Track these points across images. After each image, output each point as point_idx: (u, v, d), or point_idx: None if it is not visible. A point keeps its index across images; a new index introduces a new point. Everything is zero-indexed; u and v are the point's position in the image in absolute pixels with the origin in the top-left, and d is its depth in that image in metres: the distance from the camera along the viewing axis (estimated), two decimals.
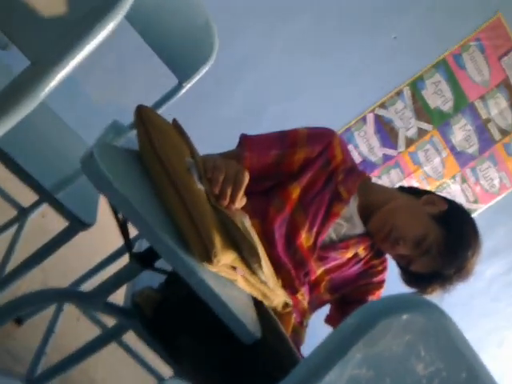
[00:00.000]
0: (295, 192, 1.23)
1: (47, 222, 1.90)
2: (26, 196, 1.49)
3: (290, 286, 1.20)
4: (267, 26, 2.62)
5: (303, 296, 1.24)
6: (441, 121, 3.00)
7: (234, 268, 0.81)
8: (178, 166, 0.82)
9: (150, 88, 1.64)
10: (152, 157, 0.82)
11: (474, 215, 3.11)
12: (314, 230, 1.23)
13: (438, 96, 2.95)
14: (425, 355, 0.54)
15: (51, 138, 1.42)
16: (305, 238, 1.22)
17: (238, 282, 0.84)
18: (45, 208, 1.62)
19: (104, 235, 2.12)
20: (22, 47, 0.58)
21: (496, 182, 3.19)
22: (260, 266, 0.83)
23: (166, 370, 1.55)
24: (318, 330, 1.28)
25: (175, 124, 0.97)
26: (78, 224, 1.16)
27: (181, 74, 1.40)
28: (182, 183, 0.79)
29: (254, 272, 0.84)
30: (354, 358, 0.50)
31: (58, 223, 1.20)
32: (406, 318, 0.50)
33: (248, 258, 0.82)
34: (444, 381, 0.53)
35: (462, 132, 3.04)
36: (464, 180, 3.15)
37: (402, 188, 1.40)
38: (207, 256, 0.74)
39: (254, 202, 1.14)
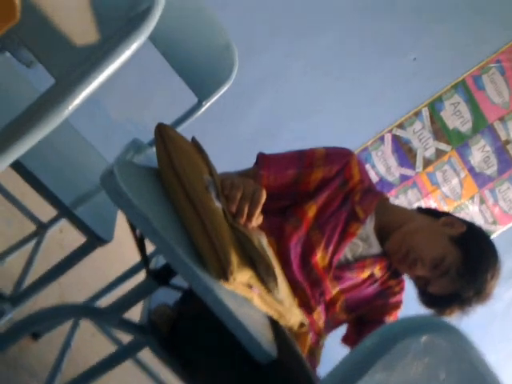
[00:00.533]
0: (312, 211, 1.23)
1: (65, 237, 1.92)
2: (45, 211, 1.50)
3: (305, 306, 1.19)
4: (287, 46, 2.65)
5: (319, 315, 1.23)
6: (459, 142, 2.98)
7: (250, 286, 0.81)
8: (197, 184, 0.83)
9: (169, 106, 1.66)
10: (171, 174, 0.83)
11: (492, 236, 3.06)
12: (330, 249, 1.22)
13: (457, 117, 2.93)
14: (444, 379, 0.52)
15: (71, 155, 1.44)
16: (320, 258, 1.21)
17: (254, 301, 0.83)
18: (63, 223, 1.63)
19: (121, 251, 2.13)
20: (47, 65, 0.60)
21: None
22: (276, 284, 0.83)
23: None
24: (333, 351, 1.27)
25: (194, 142, 0.98)
26: (95, 240, 1.16)
27: (201, 92, 1.42)
28: (200, 201, 0.80)
29: (270, 291, 0.84)
30: (372, 380, 0.49)
31: (76, 239, 1.22)
32: (426, 339, 0.50)
33: (264, 277, 0.82)
34: None
35: (480, 153, 3.02)
36: (482, 201, 3.11)
37: (420, 209, 1.38)
38: (224, 273, 0.74)
39: (270, 221, 1.14)
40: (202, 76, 1.43)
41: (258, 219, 0.88)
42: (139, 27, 0.59)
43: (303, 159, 1.26)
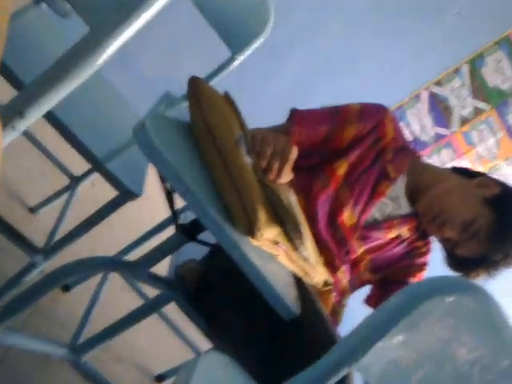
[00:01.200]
0: (342, 169, 1.22)
1: (97, 190, 1.95)
2: (78, 165, 1.53)
3: (330, 264, 1.20)
4: (324, 2, 2.57)
5: (343, 275, 1.23)
6: (499, 100, 2.88)
7: (276, 243, 0.82)
8: (228, 139, 0.82)
9: (202, 60, 1.64)
10: (202, 128, 0.83)
11: None
12: (358, 208, 1.21)
13: (499, 74, 2.82)
14: (468, 340, 0.52)
15: (105, 108, 1.45)
16: (348, 216, 1.21)
17: (280, 258, 0.84)
18: (95, 177, 1.66)
19: (150, 206, 2.17)
20: (82, 14, 0.59)
21: None
22: (303, 242, 0.83)
23: (204, 344, 1.57)
24: (355, 311, 1.28)
25: (227, 97, 0.97)
26: (126, 194, 1.18)
27: (234, 46, 1.40)
28: (231, 156, 0.80)
29: (296, 248, 0.84)
30: (395, 340, 0.49)
31: (108, 192, 1.24)
32: (453, 300, 0.49)
33: (291, 234, 0.82)
34: (486, 367, 0.52)
35: None
36: None
37: (454, 168, 1.35)
38: (251, 229, 0.74)
39: (300, 178, 1.14)
40: (235, 29, 1.40)
41: (287, 176, 0.88)
42: None
43: (337, 115, 1.24)
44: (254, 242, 0.77)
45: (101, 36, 0.57)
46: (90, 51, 0.57)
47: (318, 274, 0.94)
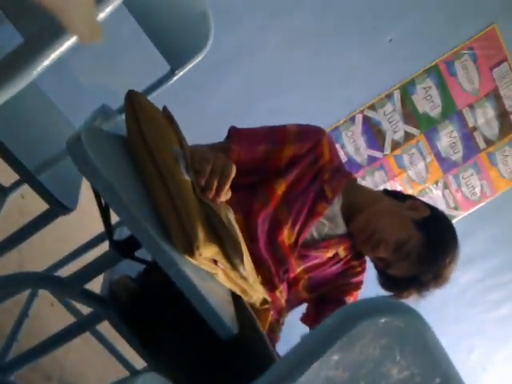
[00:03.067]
0: (280, 188, 1.23)
1: (27, 203, 1.87)
2: (7, 175, 1.46)
3: (269, 283, 1.20)
4: (264, 20, 2.61)
5: (281, 293, 1.24)
6: (428, 126, 3.02)
7: (215, 261, 0.81)
8: (166, 155, 0.81)
9: (141, 73, 1.62)
10: (140, 143, 0.81)
11: (453, 221, 3.13)
12: (297, 227, 1.23)
13: (428, 101, 2.96)
14: (400, 359, 0.54)
15: (37, 118, 1.40)
16: (287, 235, 1.22)
17: (218, 276, 0.83)
18: (25, 189, 1.59)
19: (84, 220, 2.09)
20: (16, 23, 0.57)
21: (477, 189, 3.22)
22: (242, 261, 0.83)
23: (139, 362, 1.53)
24: (293, 329, 1.28)
25: (165, 112, 0.96)
26: (58, 207, 1.14)
27: (174, 61, 1.39)
28: (169, 172, 0.79)
29: (235, 267, 0.84)
30: (331, 360, 0.50)
31: (38, 205, 1.18)
32: (385, 321, 0.50)
33: (230, 253, 0.82)
34: None
35: (448, 138, 3.06)
36: (446, 186, 3.17)
37: (386, 191, 1.40)
38: (189, 248, 0.73)
39: (238, 196, 1.13)
40: (175, 44, 1.39)
41: (226, 194, 0.87)
42: None
43: (275, 135, 1.26)
44: (193, 261, 0.76)
45: (36, 47, 0.55)
46: (23, 63, 0.55)
47: (256, 293, 0.94)
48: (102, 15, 0.56)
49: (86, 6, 0.41)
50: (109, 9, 0.56)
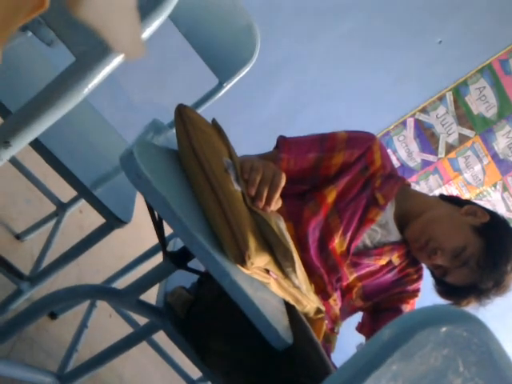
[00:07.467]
0: (331, 196, 1.21)
1: (84, 217, 1.93)
2: (66, 192, 1.51)
3: (322, 292, 1.18)
4: (311, 29, 2.61)
5: (335, 302, 1.22)
6: (484, 127, 2.92)
7: (267, 271, 0.81)
8: (216, 167, 0.82)
9: (190, 88, 1.65)
10: (190, 156, 0.82)
11: None
12: (348, 235, 1.21)
13: (482, 102, 2.87)
14: (464, 370, 0.51)
15: (92, 135, 1.45)
16: (338, 243, 1.20)
17: (271, 286, 0.83)
18: (83, 204, 1.65)
19: (139, 233, 2.15)
20: (68, 43, 0.59)
21: None
22: (294, 270, 0.82)
23: (195, 372, 1.55)
24: (348, 338, 1.26)
25: (214, 124, 0.97)
26: (114, 221, 1.17)
27: (222, 74, 1.41)
28: (219, 184, 0.79)
29: (287, 276, 0.83)
30: (389, 371, 0.48)
31: (95, 220, 1.22)
32: (446, 330, 0.49)
33: (282, 262, 0.81)
34: None
35: (505, 139, 2.96)
36: (505, 188, 3.05)
37: (442, 196, 1.36)
38: (241, 258, 0.73)
39: (289, 205, 1.13)
40: (223, 57, 1.41)
41: (276, 203, 0.87)
42: (160, 5, 0.58)
43: (324, 143, 1.24)
44: (245, 270, 0.76)
45: (86, 65, 0.57)
46: (75, 81, 0.57)
47: (309, 302, 0.92)
48: (148, 30, 0.57)
49: (130, 22, 0.41)
50: (155, 24, 0.57)
